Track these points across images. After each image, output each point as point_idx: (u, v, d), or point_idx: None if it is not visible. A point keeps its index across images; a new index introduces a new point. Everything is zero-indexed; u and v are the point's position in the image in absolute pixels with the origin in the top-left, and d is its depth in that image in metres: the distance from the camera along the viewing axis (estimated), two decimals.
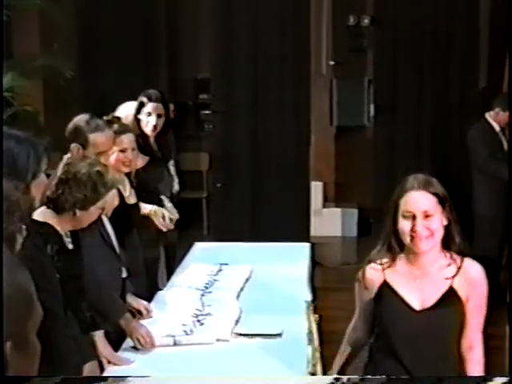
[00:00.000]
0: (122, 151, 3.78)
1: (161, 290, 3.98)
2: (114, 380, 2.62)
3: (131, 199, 3.88)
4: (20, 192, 2.00)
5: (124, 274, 3.49)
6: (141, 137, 4.49)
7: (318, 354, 3.23)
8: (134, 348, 3.09)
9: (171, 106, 5.45)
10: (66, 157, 3.37)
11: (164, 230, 4.34)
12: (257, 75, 7.10)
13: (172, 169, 5.23)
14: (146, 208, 4.18)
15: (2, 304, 1.21)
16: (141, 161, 4.40)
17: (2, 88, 5.33)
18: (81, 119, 3.52)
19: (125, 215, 3.66)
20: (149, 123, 4.47)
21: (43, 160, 2.42)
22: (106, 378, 2.66)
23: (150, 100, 4.48)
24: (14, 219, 1.81)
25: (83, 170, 2.82)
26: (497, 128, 5.79)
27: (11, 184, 1.98)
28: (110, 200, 3.27)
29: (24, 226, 1.88)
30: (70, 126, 3.53)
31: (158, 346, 3.11)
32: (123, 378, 2.56)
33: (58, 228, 2.72)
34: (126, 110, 4.63)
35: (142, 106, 4.48)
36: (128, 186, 3.90)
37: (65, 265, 2.69)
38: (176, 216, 4.89)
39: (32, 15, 6.30)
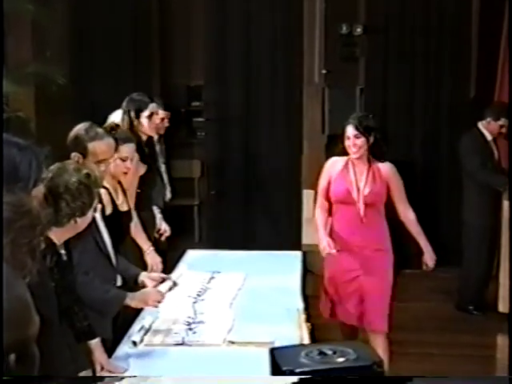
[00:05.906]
0: (123, 160, 3.79)
1: None
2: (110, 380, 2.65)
3: (124, 206, 3.87)
4: (39, 204, 1.98)
5: (119, 283, 3.48)
6: (139, 143, 4.55)
7: None
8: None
9: (167, 114, 5.50)
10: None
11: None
12: (249, 83, 7.11)
13: (165, 176, 5.25)
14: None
15: (1, 305, 1.22)
16: (142, 169, 4.42)
17: (1, 91, 5.33)
18: (81, 128, 3.49)
19: (118, 222, 3.65)
20: (160, 129, 5.15)
21: (43, 168, 2.41)
22: (102, 378, 2.68)
23: (158, 107, 4.99)
24: (36, 233, 1.79)
25: (73, 178, 2.70)
26: (489, 137, 5.80)
27: (30, 197, 1.96)
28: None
29: (41, 238, 1.85)
30: (71, 134, 3.49)
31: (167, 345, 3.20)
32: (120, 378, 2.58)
33: (56, 240, 2.70)
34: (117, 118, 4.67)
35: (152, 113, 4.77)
36: (121, 194, 3.89)
37: (62, 275, 2.67)
38: (167, 230, 4.93)
39: (24, 22, 6.29)
